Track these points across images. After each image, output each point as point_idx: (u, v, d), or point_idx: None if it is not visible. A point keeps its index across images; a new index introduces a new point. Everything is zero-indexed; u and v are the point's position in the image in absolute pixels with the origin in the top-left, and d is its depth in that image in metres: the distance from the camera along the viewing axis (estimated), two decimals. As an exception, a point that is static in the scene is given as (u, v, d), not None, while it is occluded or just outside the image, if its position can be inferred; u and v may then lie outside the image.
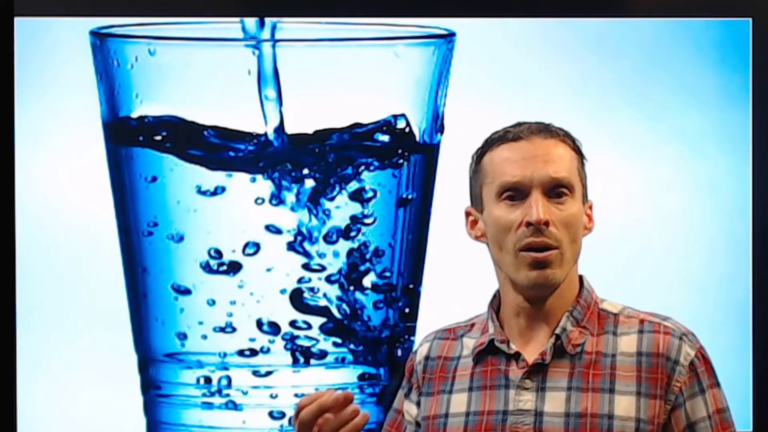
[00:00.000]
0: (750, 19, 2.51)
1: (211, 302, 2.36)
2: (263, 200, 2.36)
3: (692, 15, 2.54)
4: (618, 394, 1.47)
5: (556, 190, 1.50)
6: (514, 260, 1.50)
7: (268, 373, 2.37)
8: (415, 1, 2.52)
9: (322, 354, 2.38)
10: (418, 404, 1.59)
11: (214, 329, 2.37)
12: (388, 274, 2.40)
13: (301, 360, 2.37)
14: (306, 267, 2.37)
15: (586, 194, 1.55)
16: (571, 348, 1.50)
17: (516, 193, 1.50)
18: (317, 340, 2.39)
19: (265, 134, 2.36)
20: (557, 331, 1.51)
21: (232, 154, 2.36)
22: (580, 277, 1.57)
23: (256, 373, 2.37)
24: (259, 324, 2.37)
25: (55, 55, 2.48)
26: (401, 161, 2.38)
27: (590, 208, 1.56)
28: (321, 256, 2.37)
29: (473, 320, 1.62)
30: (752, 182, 2.49)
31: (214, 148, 2.35)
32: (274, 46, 2.35)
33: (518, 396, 1.50)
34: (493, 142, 1.55)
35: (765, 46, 2.51)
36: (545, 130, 1.53)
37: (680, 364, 1.48)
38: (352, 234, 2.37)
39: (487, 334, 1.55)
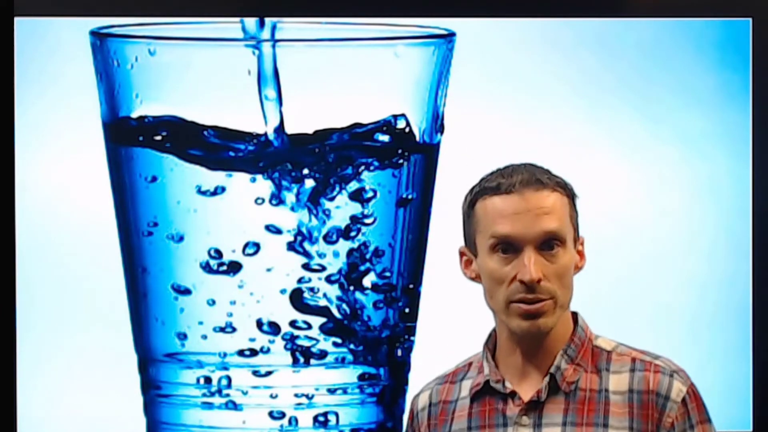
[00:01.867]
0: (750, 19, 2.51)
1: (211, 302, 2.36)
2: (263, 200, 2.36)
3: (692, 15, 2.54)
4: (611, 428, 1.52)
5: (548, 243, 1.53)
6: (506, 310, 1.55)
7: (268, 373, 2.37)
8: (415, 1, 2.52)
9: (322, 354, 2.38)
10: None
11: (214, 329, 2.37)
12: (388, 274, 2.40)
13: (301, 360, 2.37)
14: (306, 267, 2.37)
15: (578, 233, 1.59)
16: (565, 386, 1.56)
17: (508, 246, 1.54)
18: (317, 340, 2.38)
19: (265, 134, 2.36)
20: (552, 370, 1.56)
21: (232, 154, 2.35)
22: (575, 315, 1.62)
23: (256, 373, 2.36)
24: (259, 324, 2.37)
25: (55, 55, 2.49)
26: (401, 161, 2.38)
27: (581, 244, 1.59)
28: (321, 256, 2.37)
29: (471, 359, 1.67)
30: (752, 182, 2.50)
31: (214, 148, 2.35)
32: (274, 46, 2.35)
33: None
34: (485, 191, 1.57)
35: (765, 46, 2.52)
36: (537, 181, 1.55)
37: (671, 400, 1.53)
38: (352, 234, 2.37)
39: (482, 375, 1.61)
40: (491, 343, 1.63)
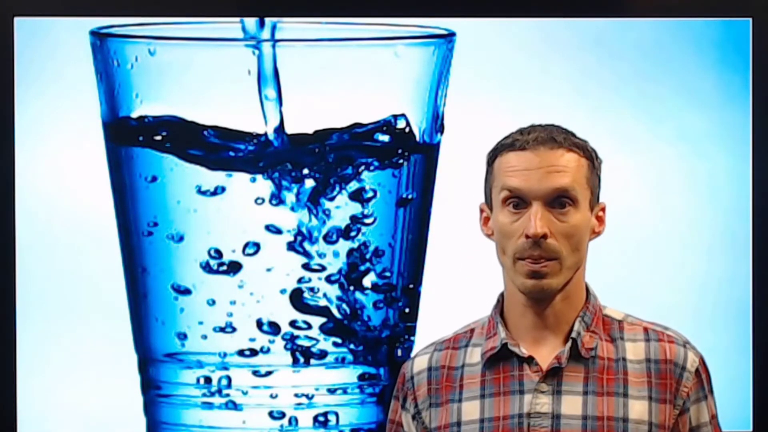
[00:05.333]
0: (750, 19, 2.51)
1: (211, 302, 2.36)
2: (263, 200, 2.36)
3: (692, 15, 2.55)
4: (631, 398, 1.52)
5: (558, 200, 1.53)
6: (512, 266, 1.54)
7: (268, 373, 2.37)
8: (415, 1, 2.52)
9: (322, 354, 2.38)
10: (417, 414, 1.60)
11: (214, 329, 2.37)
12: (388, 274, 2.40)
13: (302, 360, 2.37)
14: (306, 267, 2.37)
15: (597, 198, 1.58)
16: (585, 352, 1.54)
17: (519, 201, 1.53)
18: (317, 340, 2.38)
19: (265, 134, 2.36)
20: (573, 335, 1.55)
21: (232, 154, 2.36)
22: (585, 284, 1.60)
23: (256, 373, 2.36)
24: (259, 324, 2.37)
25: (55, 55, 2.48)
26: (401, 161, 2.38)
27: (602, 210, 1.59)
28: (321, 256, 2.37)
29: (471, 326, 1.64)
30: (752, 182, 2.49)
31: (214, 148, 2.36)
32: (274, 46, 2.35)
33: (535, 399, 1.52)
34: (502, 147, 1.57)
35: (765, 46, 2.51)
36: (551, 140, 1.54)
37: (687, 370, 1.55)
38: (352, 234, 2.37)
39: (496, 338, 1.57)
40: (499, 308, 1.61)
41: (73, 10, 2.49)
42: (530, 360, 1.55)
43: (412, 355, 1.68)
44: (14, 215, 2.48)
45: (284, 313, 2.38)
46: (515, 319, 1.58)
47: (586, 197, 1.55)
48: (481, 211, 1.61)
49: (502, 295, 1.61)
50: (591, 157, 1.58)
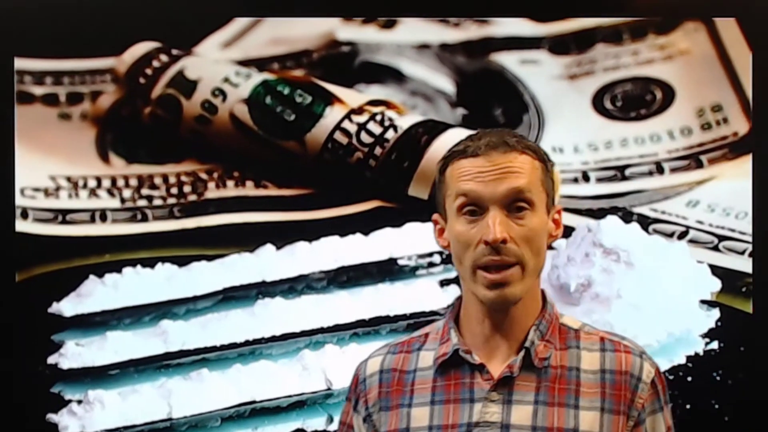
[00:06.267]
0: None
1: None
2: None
3: (693, 15, 2.58)
4: (582, 409, 1.47)
5: (515, 204, 1.46)
6: (472, 276, 1.47)
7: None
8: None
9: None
10: (368, 417, 1.55)
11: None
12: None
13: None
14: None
15: (553, 201, 1.52)
16: (538, 362, 1.48)
17: (475, 208, 1.47)
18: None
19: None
20: (527, 344, 1.48)
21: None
22: (542, 291, 1.54)
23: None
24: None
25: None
26: None
27: (558, 213, 1.53)
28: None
29: (426, 330, 1.58)
30: (752, 182, 2.46)
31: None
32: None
33: (485, 408, 1.47)
34: (453, 155, 1.50)
35: (765, 46, 2.49)
36: (503, 144, 1.48)
37: (642, 381, 1.49)
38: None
39: (448, 344, 1.51)
40: (454, 313, 1.54)
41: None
42: (481, 368, 1.48)
43: (367, 356, 1.59)
44: (14, 213, 2.49)
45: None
46: (470, 326, 1.51)
47: (543, 200, 1.49)
48: (435, 222, 1.53)
49: (458, 299, 1.55)
50: (544, 160, 1.51)
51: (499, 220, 1.44)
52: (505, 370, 1.47)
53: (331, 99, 2.62)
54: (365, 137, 2.58)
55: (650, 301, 2.33)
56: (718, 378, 2.29)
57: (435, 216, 1.54)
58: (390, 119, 2.58)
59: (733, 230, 2.50)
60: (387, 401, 1.52)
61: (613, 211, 2.56)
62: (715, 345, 2.33)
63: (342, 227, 2.55)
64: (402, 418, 1.50)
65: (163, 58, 2.76)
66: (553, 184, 1.52)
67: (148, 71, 2.75)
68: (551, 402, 1.46)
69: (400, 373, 1.53)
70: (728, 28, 2.66)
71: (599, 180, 2.64)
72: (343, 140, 2.59)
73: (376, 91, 2.76)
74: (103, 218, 2.61)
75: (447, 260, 2.53)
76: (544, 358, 1.48)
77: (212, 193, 2.64)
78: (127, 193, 2.66)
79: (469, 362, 1.49)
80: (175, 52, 2.78)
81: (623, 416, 1.47)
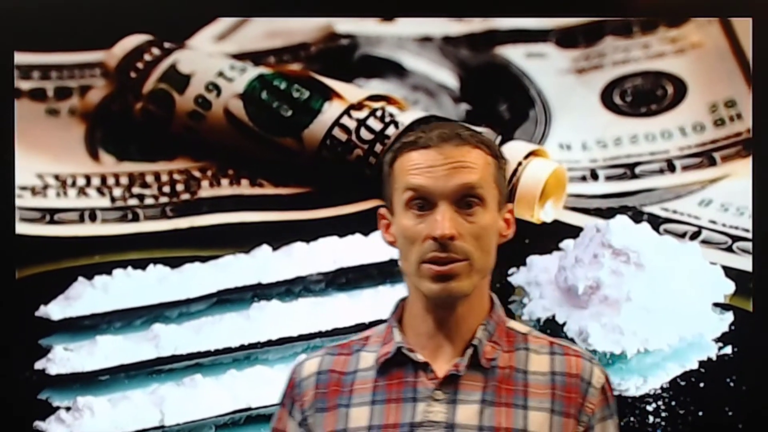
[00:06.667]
0: (750, 19, 2.49)
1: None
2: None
3: (693, 15, 2.57)
4: (531, 410, 1.46)
5: (465, 199, 1.45)
6: (417, 271, 1.45)
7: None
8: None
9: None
10: (304, 421, 1.52)
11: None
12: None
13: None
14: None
15: (504, 199, 1.51)
16: (485, 362, 1.47)
17: (423, 202, 1.45)
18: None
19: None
20: (475, 342, 1.47)
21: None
22: (491, 295, 1.53)
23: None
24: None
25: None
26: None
27: (510, 212, 1.51)
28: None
29: (367, 334, 1.56)
30: (752, 182, 2.43)
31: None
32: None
33: (429, 407, 1.46)
34: (403, 146, 1.48)
35: (765, 46, 2.45)
36: (456, 136, 1.47)
37: (593, 385, 1.48)
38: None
39: (391, 343, 1.50)
40: (398, 315, 1.53)
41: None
42: (426, 366, 1.47)
43: (303, 359, 1.57)
44: (14, 214, 2.48)
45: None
46: (415, 326, 1.50)
47: (494, 197, 1.47)
48: (381, 217, 1.52)
49: (401, 301, 1.54)
50: (497, 156, 1.49)
51: (448, 215, 1.43)
52: (451, 368, 1.46)
53: (329, 94, 2.61)
54: (365, 134, 2.56)
55: (661, 303, 2.31)
56: (731, 384, 2.26)
57: (381, 210, 1.52)
58: (391, 115, 2.57)
59: (747, 230, 2.48)
60: (323, 402, 1.50)
61: (623, 210, 2.54)
62: (728, 350, 2.31)
63: (341, 227, 2.54)
64: (339, 419, 1.48)
65: (155, 51, 2.75)
66: (505, 182, 1.50)
67: (140, 65, 2.73)
68: (498, 402, 1.46)
69: (339, 374, 1.51)
70: (742, 20, 2.64)
71: (608, 178, 2.63)
72: (342, 137, 2.57)
73: (376, 86, 2.75)
74: (93, 218, 2.59)
75: None
76: (491, 358, 1.47)
77: (206, 191, 2.63)
78: (117, 192, 2.65)
79: (413, 361, 1.48)
80: (167, 45, 2.77)
81: (573, 420, 1.47)
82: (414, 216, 1.45)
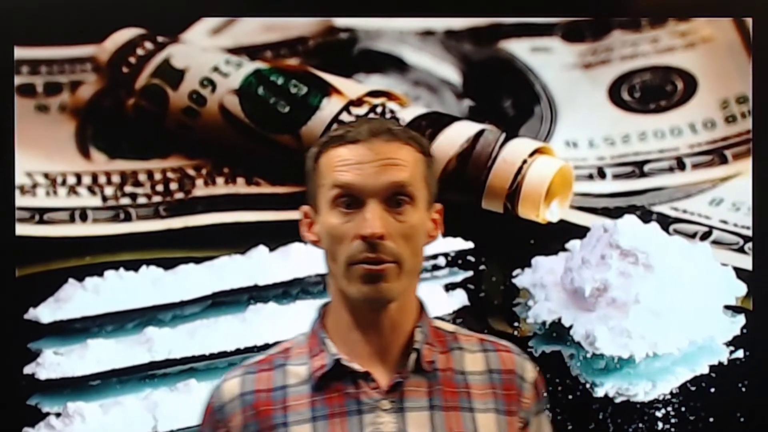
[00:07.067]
0: (750, 19, 2.51)
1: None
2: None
3: (693, 15, 2.57)
4: (477, 412, 1.44)
5: (395, 198, 1.41)
6: (345, 272, 1.41)
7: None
8: None
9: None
10: None
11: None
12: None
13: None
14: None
15: (433, 199, 1.47)
16: (427, 365, 1.44)
17: (351, 200, 1.41)
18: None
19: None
20: (417, 346, 1.44)
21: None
22: (417, 296, 1.50)
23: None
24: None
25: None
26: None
27: (439, 212, 1.48)
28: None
29: (285, 345, 1.51)
30: (752, 182, 2.45)
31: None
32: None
33: (377, 419, 1.42)
34: (331, 141, 1.44)
35: (765, 46, 2.46)
36: (387, 131, 1.43)
37: (526, 380, 1.48)
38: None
39: (323, 355, 1.44)
40: (322, 322, 1.48)
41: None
42: (366, 376, 1.43)
43: (219, 381, 1.50)
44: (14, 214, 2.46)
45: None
46: (344, 334, 1.45)
47: (424, 196, 1.43)
48: (304, 215, 1.47)
49: (323, 308, 1.49)
50: (427, 153, 1.46)
51: (377, 214, 1.39)
52: (395, 375, 1.43)
53: (328, 90, 2.60)
54: None
55: (671, 306, 2.30)
56: (743, 389, 2.26)
57: (304, 208, 1.47)
58: (391, 111, 2.56)
59: (760, 231, 2.43)
60: (255, 425, 1.44)
61: (631, 210, 2.54)
62: (740, 354, 2.31)
63: None
64: None
65: (148, 45, 2.74)
66: (435, 180, 1.47)
67: (132, 60, 2.73)
68: (446, 406, 1.43)
69: (266, 392, 1.44)
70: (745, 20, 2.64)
71: (616, 177, 2.63)
72: None
73: (376, 81, 2.74)
74: (84, 218, 2.58)
75: (452, 263, 2.50)
76: (430, 361, 1.45)
77: (200, 190, 2.62)
78: (109, 191, 2.63)
79: (352, 371, 1.43)
80: (160, 39, 2.76)
81: (515, 416, 1.46)
82: (341, 214, 1.41)
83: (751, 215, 2.47)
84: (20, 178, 2.61)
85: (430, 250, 2.41)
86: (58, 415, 2.28)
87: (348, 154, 1.42)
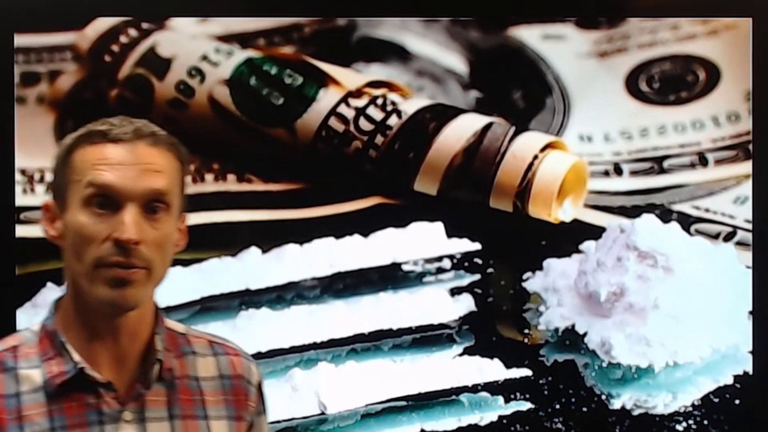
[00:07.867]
0: (750, 19, 2.49)
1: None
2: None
3: (692, 15, 2.55)
4: (212, 419, 1.48)
5: (152, 204, 1.41)
6: (91, 274, 1.39)
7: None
8: None
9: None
10: None
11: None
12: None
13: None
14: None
15: (182, 208, 1.48)
16: (166, 373, 1.46)
17: (106, 200, 1.40)
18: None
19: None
20: (159, 356, 1.45)
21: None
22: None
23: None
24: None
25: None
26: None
27: (183, 222, 1.49)
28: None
29: (11, 342, 1.46)
30: (752, 182, 2.47)
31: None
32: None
33: (119, 430, 1.42)
34: (89, 136, 1.43)
35: (765, 46, 2.47)
36: (152, 135, 1.43)
37: (252, 384, 1.53)
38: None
39: (61, 361, 1.42)
40: (59, 324, 1.45)
41: None
42: (108, 386, 1.42)
43: None
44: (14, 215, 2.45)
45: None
46: (82, 338, 1.43)
47: (177, 205, 1.45)
48: (46, 209, 1.45)
49: (55, 306, 1.46)
50: (184, 161, 1.47)
51: (135, 219, 1.39)
52: (138, 386, 1.44)
53: (325, 80, 2.56)
54: (365, 124, 2.53)
55: (692, 312, 2.29)
56: None
57: (47, 202, 1.46)
58: (393, 103, 2.53)
59: (788, 231, 2.42)
60: None
61: (650, 208, 2.52)
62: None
63: (338, 227, 2.51)
64: None
65: (132, 32, 2.67)
66: (185, 190, 1.49)
67: (115, 48, 2.66)
68: (184, 415, 1.46)
69: None
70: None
71: (633, 173, 2.60)
72: (340, 127, 2.54)
73: (376, 71, 2.69)
74: None
75: (457, 266, 2.48)
76: (170, 368, 1.47)
77: (188, 188, 2.52)
78: None
79: (94, 380, 1.42)
80: (145, 26, 2.68)
81: (244, 422, 1.51)
82: (93, 214, 1.40)
83: (751, 215, 2.47)
84: (-5, 175, 2.58)
85: (434, 252, 2.47)
86: (36, 428, 2.22)
87: (108, 153, 1.41)
